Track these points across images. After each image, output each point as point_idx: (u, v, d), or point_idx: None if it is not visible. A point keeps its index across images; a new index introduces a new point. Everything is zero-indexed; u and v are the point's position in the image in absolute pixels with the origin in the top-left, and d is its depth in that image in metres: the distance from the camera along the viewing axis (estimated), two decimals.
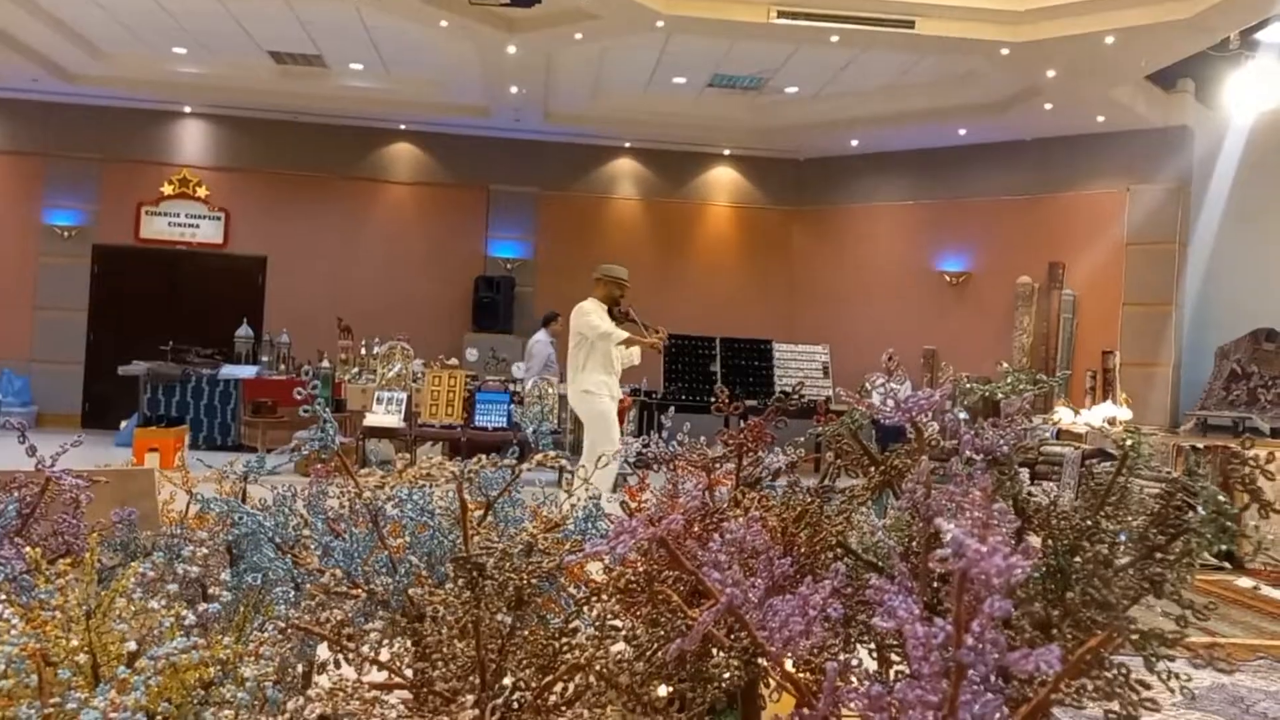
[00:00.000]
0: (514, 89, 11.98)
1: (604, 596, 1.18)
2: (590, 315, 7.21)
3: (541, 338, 11.73)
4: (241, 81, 12.41)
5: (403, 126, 13.88)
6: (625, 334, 7.28)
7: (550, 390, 10.67)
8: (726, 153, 14.45)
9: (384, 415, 9.96)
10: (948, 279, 13.22)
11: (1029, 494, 1.52)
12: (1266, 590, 6.38)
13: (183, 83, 12.54)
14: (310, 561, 1.27)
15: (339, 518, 1.31)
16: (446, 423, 10.05)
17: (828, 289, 13.97)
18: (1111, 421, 10.25)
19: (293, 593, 1.20)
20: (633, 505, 1.60)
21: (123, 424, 11.49)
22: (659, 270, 14.27)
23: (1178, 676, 1.42)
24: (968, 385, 1.66)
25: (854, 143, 13.49)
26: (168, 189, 13.63)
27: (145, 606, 1.06)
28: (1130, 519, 1.42)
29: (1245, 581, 6.61)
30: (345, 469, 1.38)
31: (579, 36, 10.10)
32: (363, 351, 11.45)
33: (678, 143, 14.02)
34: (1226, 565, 7.10)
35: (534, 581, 1.10)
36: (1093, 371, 11.76)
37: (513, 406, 10.30)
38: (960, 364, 11.97)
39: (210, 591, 1.22)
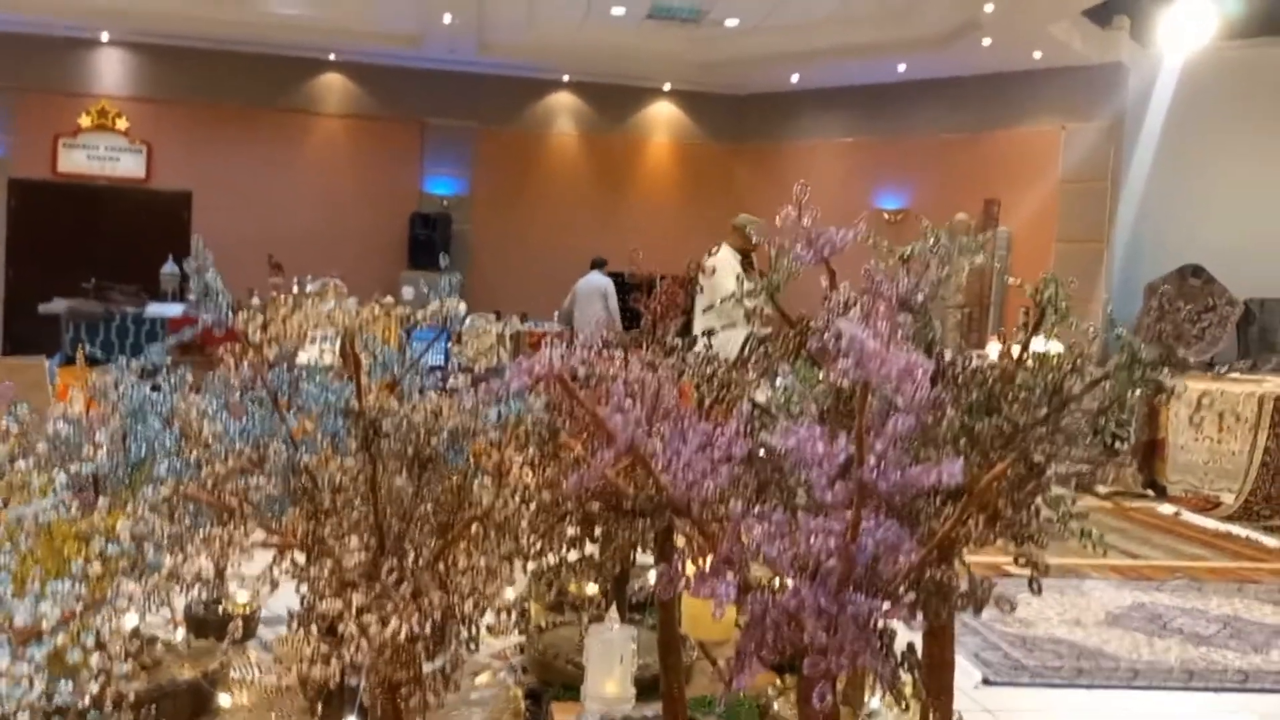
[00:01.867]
0: (447, 18, 11.65)
1: (503, 451, 1.16)
2: (725, 277, 7.05)
3: (599, 282, 11.20)
4: (163, 8, 11.89)
5: (332, 57, 13.44)
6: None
7: (489, 329, 10.54)
8: (667, 88, 14.26)
9: (318, 354, 9.76)
10: (886, 216, 13.26)
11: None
12: (1186, 515, 6.59)
13: (100, 8, 11.97)
14: (202, 436, 1.22)
15: (241, 393, 1.26)
16: None
17: (769, 225, 13.94)
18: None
19: (183, 468, 1.15)
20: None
21: (45, 363, 11.12)
22: (599, 208, 14.14)
23: (1087, 534, 1.43)
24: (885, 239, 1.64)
25: (795, 78, 13.39)
26: (86, 121, 13.08)
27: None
28: (1048, 375, 1.42)
29: (1167, 508, 6.82)
30: (245, 341, 1.33)
31: None
32: (295, 290, 11.20)
33: (617, 77, 13.80)
34: (1150, 493, 7.32)
35: (435, 444, 1.07)
36: (1026, 308, 11.91)
37: (450, 345, 10.17)
38: None
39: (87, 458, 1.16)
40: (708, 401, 1.33)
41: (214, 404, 1.19)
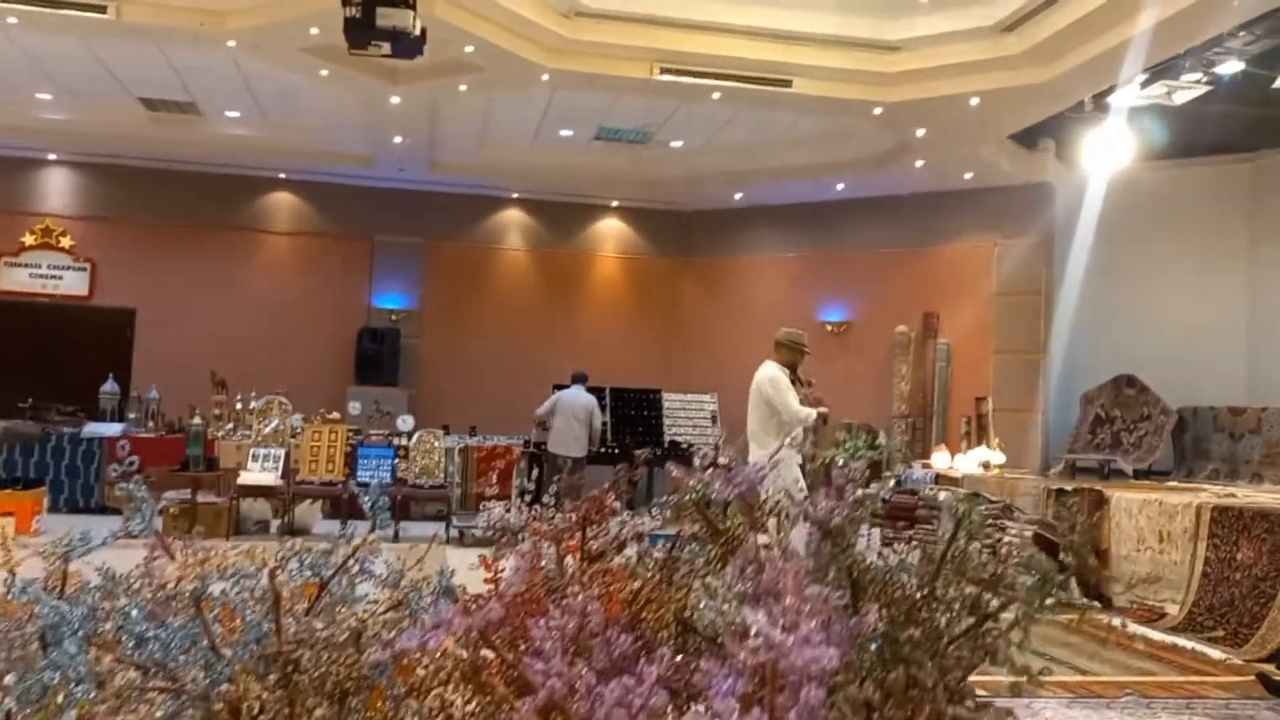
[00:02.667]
0: (398, 139, 11.88)
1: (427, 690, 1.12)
2: (787, 393, 6.98)
3: (584, 400, 11.09)
4: (110, 128, 11.98)
5: (282, 175, 13.59)
6: (814, 413, 7.06)
7: (436, 444, 10.46)
8: (614, 204, 14.58)
9: (260, 473, 9.59)
10: (830, 328, 13.53)
11: (881, 555, 1.51)
12: (1133, 627, 6.61)
13: (47, 129, 12.04)
14: (116, 654, 1.17)
15: (162, 601, 1.22)
16: (327, 479, 9.74)
17: (716, 338, 14.14)
18: (986, 465, 10.60)
19: (95, 692, 1.10)
20: (488, 576, 1.53)
21: None
22: (548, 321, 14.26)
23: None
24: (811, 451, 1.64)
25: (738, 196, 13.78)
26: (29, 239, 13.02)
27: None
28: (965, 586, 1.42)
29: (1114, 620, 6.84)
30: (165, 549, 1.29)
31: (464, 88, 10.08)
32: (239, 406, 11.05)
33: (566, 194, 14.10)
34: (1096, 604, 7.35)
35: (358, 674, 1.04)
36: (968, 417, 12.14)
37: (397, 461, 10.06)
38: (844, 411, 12.24)
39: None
40: (642, 622, 1.30)
41: (135, 614, 1.13)
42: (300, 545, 1.35)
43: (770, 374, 7.05)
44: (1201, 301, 11.46)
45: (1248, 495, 7.75)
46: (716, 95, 10.01)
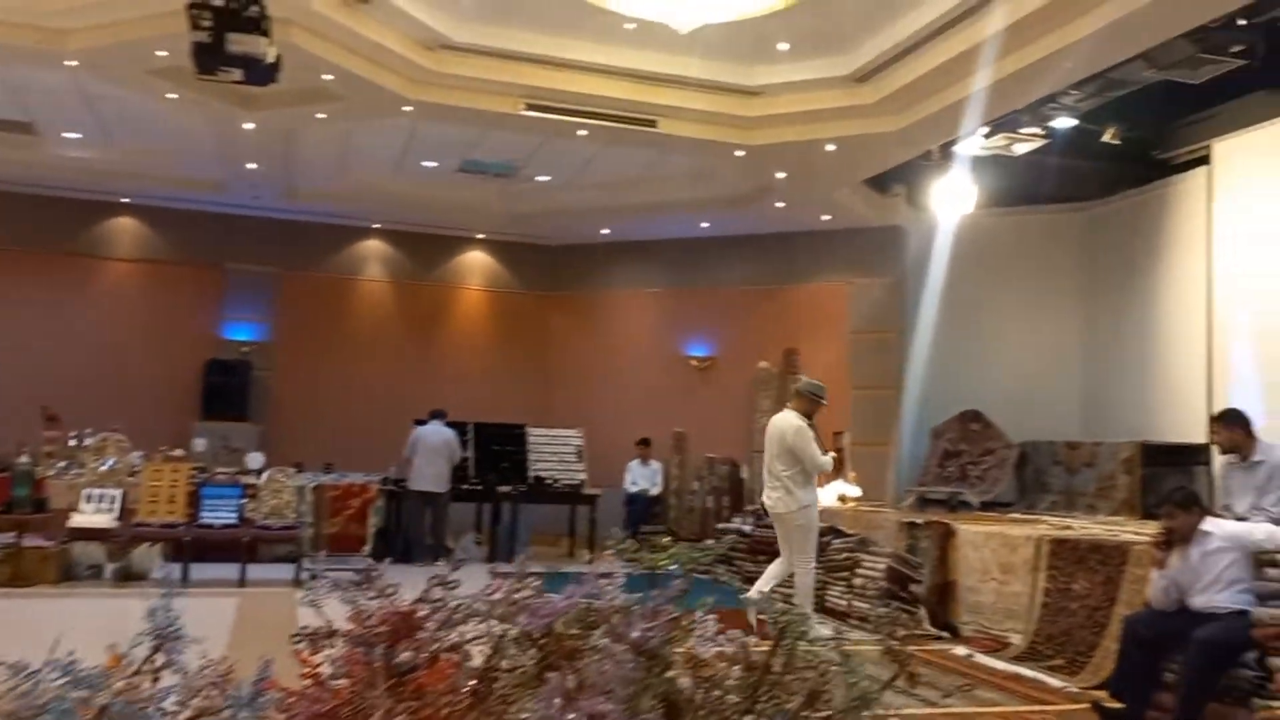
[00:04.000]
0: (252, 165, 11.48)
1: None
2: (810, 443, 7.30)
3: (444, 435, 11.20)
4: None
5: (125, 200, 12.93)
6: (831, 460, 7.57)
7: (288, 482, 10.05)
8: (480, 237, 14.44)
9: (93, 515, 9.02)
10: (694, 363, 13.70)
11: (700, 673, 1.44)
12: (978, 657, 6.84)
13: None
14: None
15: None
16: (167, 521, 9.23)
17: (582, 373, 14.12)
18: (843, 498, 10.86)
19: None
20: (305, 671, 1.42)
21: None
22: (410, 354, 13.97)
23: None
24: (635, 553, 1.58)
25: (605, 231, 13.85)
26: None
27: None
28: (788, 702, 1.39)
29: (960, 650, 7.07)
30: None
31: (321, 117, 9.83)
32: (72, 443, 10.39)
33: (429, 225, 13.89)
34: (945, 634, 7.59)
35: None
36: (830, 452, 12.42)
37: (244, 501, 9.61)
38: (707, 445, 12.37)
39: None
40: None
41: None
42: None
43: (795, 424, 7.34)
44: (1041, 341, 12.10)
45: (1083, 527, 8.15)
46: (583, 132, 10.05)
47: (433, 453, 11.03)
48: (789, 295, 13.24)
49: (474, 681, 1.35)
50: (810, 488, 7.41)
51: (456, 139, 10.76)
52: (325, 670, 1.51)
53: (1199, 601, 4.98)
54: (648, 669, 1.23)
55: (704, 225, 13.14)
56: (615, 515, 12.39)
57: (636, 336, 14.03)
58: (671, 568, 1.38)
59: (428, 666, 1.29)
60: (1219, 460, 6.78)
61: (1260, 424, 6.21)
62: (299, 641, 1.46)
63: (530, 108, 9.48)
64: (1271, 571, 4.86)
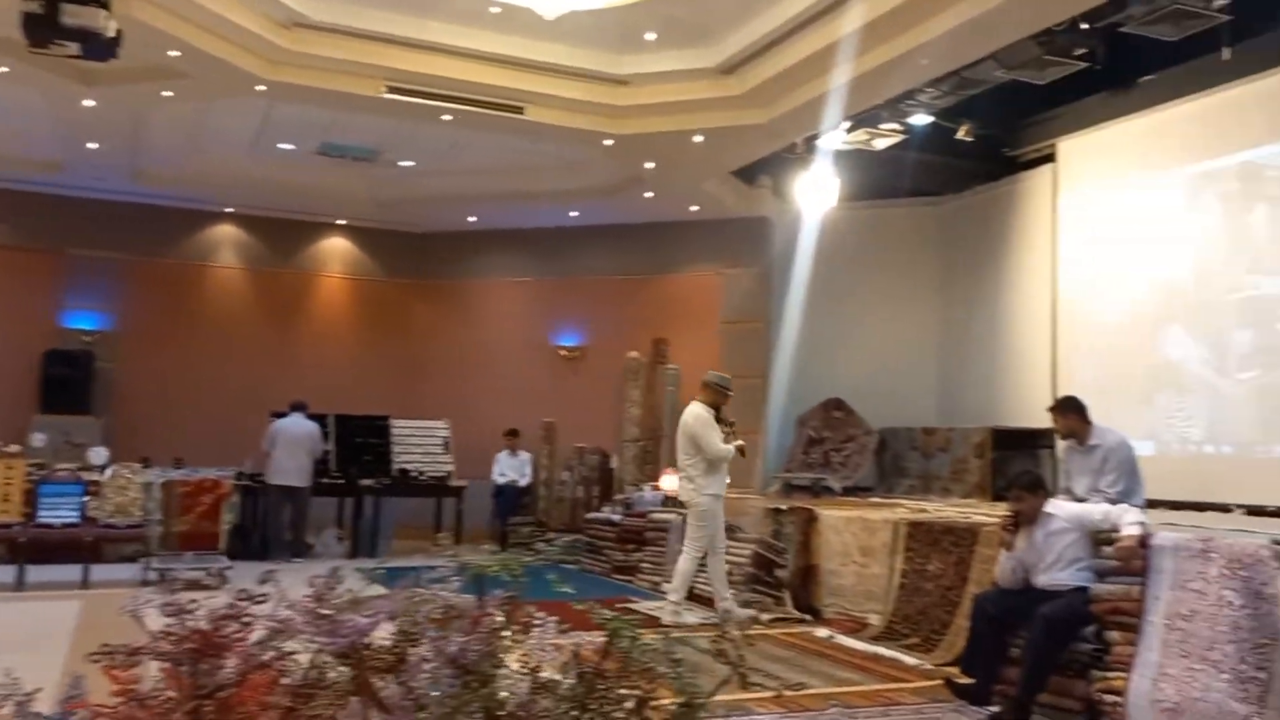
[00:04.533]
0: (93, 145, 10.82)
1: None
2: (710, 431, 7.45)
3: (306, 428, 10.80)
4: None
5: None
6: (733, 448, 7.57)
7: (134, 478, 9.54)
8: (341, 223, 14.00)
9: None
10: (564, 353, 13.62)
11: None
12: (839, 638, 7.01)
13: None
14: None
15: None
16: (2, 521, 8.65)
17: (449, 363, 13.87)
18: None
19: None
20: (116, 688, 1.31)
21: None
22: (268, 344, 13.45)
23: None
24: (464, 564, 1.50)
25: (472, 219, 13.62)
26: None
27: None
28: (616, 711, 1.35)
29: (822, 631, 7.24)
30: None
31: (169, 95, 9.34)
32: None
33: (287, 211, 13.39)
34: (808, 618, 7.76)
35: None
36: None
37: (87, 499, 9.08)
38: (578, 435, 12.35)
39: None
40: None
41: None
42: None
43: (695, 413, 7.52)
44: (900, 331, 12.50)
45: (938, 510, 8.45)
46: (447, 117, 9.84)
47: (294, 445, 10.65)
48: (658, 285, 13.30)
49: (287, 698, 1.26)
50: (714, 478, 7.53)
51: (315, 121, 10.39)
52: (143, 686, 1.40)
53: (1043, 580, 5.23)
54: (465, 684, 1.17)
55: (573, 214, 13.07)
56: (484, 507, 12.25)
57: (505, 326, 13.86)
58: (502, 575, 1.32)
59: (237, 684, 1.20)
60: (1061, 445, 7.11)
61: (1097, 410, 6.54)
62: (98, 660, 1.35)
63: (392, 91, 9.22)
64: (1107, 549, 5.12)
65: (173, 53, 8.36)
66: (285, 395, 11.22)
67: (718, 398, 7.68)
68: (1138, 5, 7.26)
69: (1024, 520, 5.29)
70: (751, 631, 7.31)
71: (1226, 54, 7.80)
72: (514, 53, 9.23)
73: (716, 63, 9.25)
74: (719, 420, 7.60)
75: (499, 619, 1.26)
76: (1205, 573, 4.67)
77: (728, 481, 7.84)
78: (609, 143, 10.25)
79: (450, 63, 9.17)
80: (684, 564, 7.53)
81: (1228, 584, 4.56)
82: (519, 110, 9.63)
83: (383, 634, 1.27)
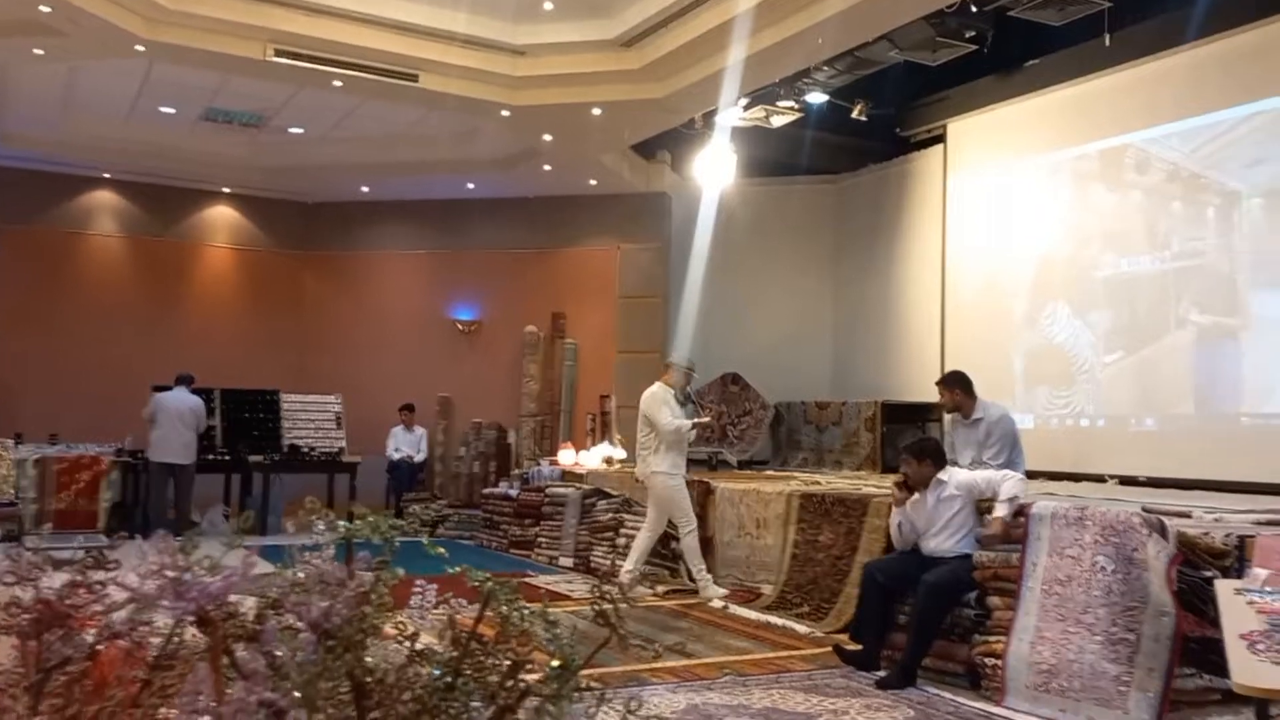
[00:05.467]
0: None
1: None
2: (662, 408, 7.54)
3: (189, 402, 10.44)
4: None
5: None
6: (689, 423, 7.71)
7: (6, 455, 9.09)
8: (226, 191, 13.49)
9: None
10: (460, 327, 13.44)
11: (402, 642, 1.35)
12: (734, 609, 7.12)
13: None
14: None
15: None
16: None
17: (342, 337, 13.53)
18: (609, 461, 11.01)
19: None
20: None
21: None
22: (149, 316, 12.90)
23: None
24: (341, 525, 1.43)
25: (365, 189, 13.28)
26: None
27: None
28: (491, 674, 1.33)
29: (717, 602, 7.33)
30: None
31: (39, 53, 8.83)
32: None
33: (169, 177, 12.81)
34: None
35: None
36: (593, 415, 12.57)
37: None
38: (475, 410, 12.21)
39: None
40: None
41: None
42: None
43: (652, 391, 7.68)
44: (796, 307, 12.72)
45: (830, 482, 8.64)
46: (338, 83, 9.54)
47: (177, 420, 10.27)
48: (557, 259, 13.21)
49: (144, 670, 1.20)
50: (668, 455, 7.61)
51: (198, 84, 9.95)
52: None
53: (930, 545, 5.41)
54: (329, 650, 1.12)
55: (470, 186, 12.86)
56: (378, 483, 12.04)
57: (400, 299, 13.59)
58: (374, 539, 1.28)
59: (88, 657, 1.14)
60: (948, 418, 7.33)
61: (982, 385, 6.76)
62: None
63: (279, 54, 8.89)
64: (989, 517, 5.30)
65: (44, 8, 7.90)
66: (169, 369, 10.80)
67: (681, 379, 7.90)
68: None
69: (917, 484, 5.47)
70: (643, 599, 7.39)
71: (1107, 40, 8.09)
72: (408, 18, 8.99)
73: (615, 35, 9.17)
74: (689, 400, 7.82)
75: (367, 583, 1.22)
76: (1081, 540, 4.88)
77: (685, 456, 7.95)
78: (506, 114, 10.09)
79: (341, 26, 8.88)
80: (687, 541, 7.62)
81: (1101, 550, 4.77)
82: (413, 78, 9.40)
83: (249, 604, 1.22)
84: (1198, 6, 7.99)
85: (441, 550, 1.45)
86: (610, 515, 8.89)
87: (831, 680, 5.18)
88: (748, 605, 7.16)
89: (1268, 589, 2.94)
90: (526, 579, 7.97)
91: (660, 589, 7.76)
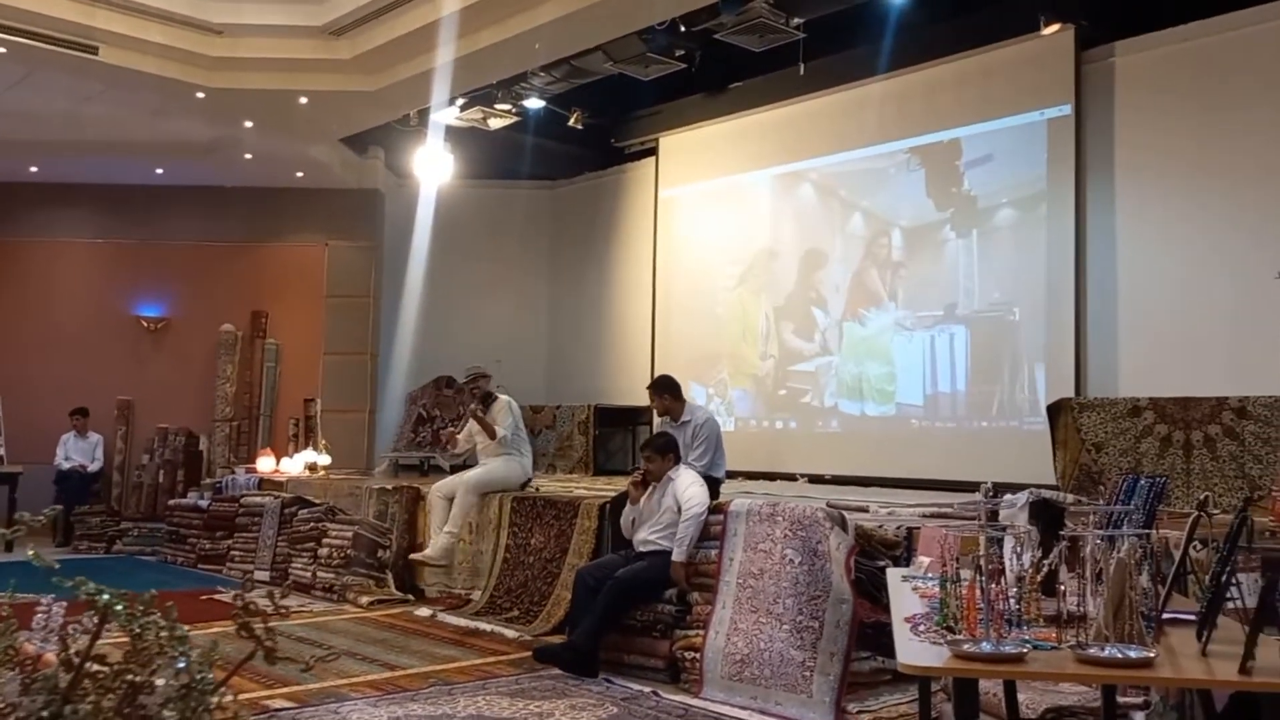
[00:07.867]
0: None
1: None
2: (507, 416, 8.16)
3: None
4: None
5: None
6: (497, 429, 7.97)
7: None
8: None
9: None
10: (145, 325, 12.31)
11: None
12: (442, 616, 6.97)
13: None
14: None
15: None
16: None
17: (3, 333, 12.02)
18: (312, 467, 10.50)
19: None
20: None
21: None
22: None
23: None
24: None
25: (33, 169, 11.87)
26: None
27: None
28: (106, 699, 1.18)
29: (424, 611, 7.15)
30: None
31: None
32: None
33: None
34: (410, 597, 7.64)
35: None
36: (296, 419, 11.94)
37: None
38: (162, 415, 11.26)
39: None
40: None
41: None
42: None
43: (509, 403, 8.31)
44: (513, 310, 12.72)
45: (542, 485, 8.67)
46: (2, 50, 8.46)
47: None
48: (258, 254, 12.41)
49: None
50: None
51: None
52: None
53: (640, 536, 5.66)
54: None
55: (159, 172, 11.82)
56: (44, 495, 10.78)
57: (73, 292, 12.24)
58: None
59: None
60: (657, 421, 7.57)
61: (690, 388, 7.04)
62: None
63: None
64: (714, 517, 5.50)
65: None
66: None
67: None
68: (729, 14, 7.85)
69: (651, 478, 5.70)
70: (346, 611, 7.08)
71: (801, 69, 8.67)
72: None
73: (324, 23, 8.75)
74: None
75: None
76: (772, 534, 5.18)
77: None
78: (201, 96, 9.37)
79: None
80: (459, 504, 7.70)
81: (790, 544, 5.08)
82: (93, 50, 8.50)
83: None
84: (882, 44, 8.76)
85: (53, 563, 1.25)
86: (312, 525, 8.45)
87: (540, 682, 5.18)
88: (456, 612, 7.04)
89: (929, 575, 3.23)
90: (215, 595, 7.40)
91: (365, 600, 7.47)
